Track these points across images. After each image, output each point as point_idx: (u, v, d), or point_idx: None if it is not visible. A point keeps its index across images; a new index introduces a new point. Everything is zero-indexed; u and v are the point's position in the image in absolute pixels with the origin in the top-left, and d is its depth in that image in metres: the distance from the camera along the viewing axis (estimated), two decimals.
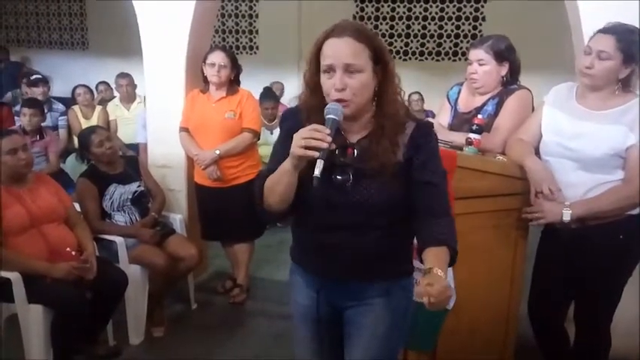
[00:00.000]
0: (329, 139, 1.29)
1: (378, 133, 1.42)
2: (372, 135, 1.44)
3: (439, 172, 1.48)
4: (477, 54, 2.36)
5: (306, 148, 1.29)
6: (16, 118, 4.68)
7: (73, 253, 2.57)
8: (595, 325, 2.24)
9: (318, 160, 1.28)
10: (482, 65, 2.35)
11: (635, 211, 2.05)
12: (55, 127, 4.90)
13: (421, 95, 5.67)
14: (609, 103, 2.03)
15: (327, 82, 1.39)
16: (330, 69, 1.37)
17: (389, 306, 1.53)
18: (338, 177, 1.43)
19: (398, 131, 1.42)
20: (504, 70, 2.36)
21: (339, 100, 1.37)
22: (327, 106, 1.37)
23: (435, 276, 1.29)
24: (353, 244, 1.47)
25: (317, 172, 1.27)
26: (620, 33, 1.95)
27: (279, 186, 1.42)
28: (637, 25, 2.06)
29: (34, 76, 5.20)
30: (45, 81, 5.04)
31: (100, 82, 5.89)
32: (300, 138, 1.30)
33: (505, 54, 2.35)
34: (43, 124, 4.43)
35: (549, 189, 2.03)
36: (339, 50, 1.36)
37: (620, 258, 2.10)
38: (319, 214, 1.47)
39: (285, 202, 1.45)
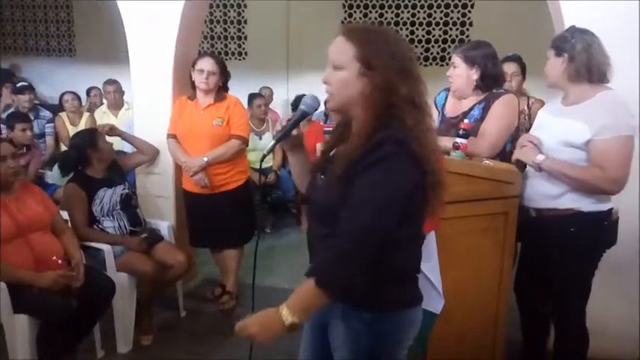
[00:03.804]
0: (284, 123, 1.52)
1: (350, 141, 1.40)
2: (348, 141, 1.43)
3: (374, 185, 1.29)
4: (453, 57, 2.47)
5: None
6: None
7: (60, 261, 2.55)
8: (564, 321, 2.33)
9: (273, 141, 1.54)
10: (454, 68, 2.43)
11: (585, 208, 2.14)
12: (42, 135, 4.87)
13: None
14: (581, 98, 2.13)
15: None
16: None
17: (348, 337, 1.46)
18: (322, 176, 1.49)
19: (363, 141, 1.34)
20: (475, 74, 2.39)
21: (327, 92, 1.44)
22: (304, 97, 1.52)
23: (264, 315, 1.30)
24: (319, 252, 1.44)
25: (265, 150, 1.51)
26: (555, 39, 2.17)
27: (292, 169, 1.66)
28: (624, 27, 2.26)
29: (20, 84, 5.15)
30: (31, 88, 5.00)
31: (92, 88, 5.85)
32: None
33: (477, 59, 2.39)
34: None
35: (529, 140, 2.20)
36: (331, 46, 1.43)
37: (572, 251, 2.19)
38: (307, 211, 1.55)
39: (300, 186, 1.66)
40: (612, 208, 2.19)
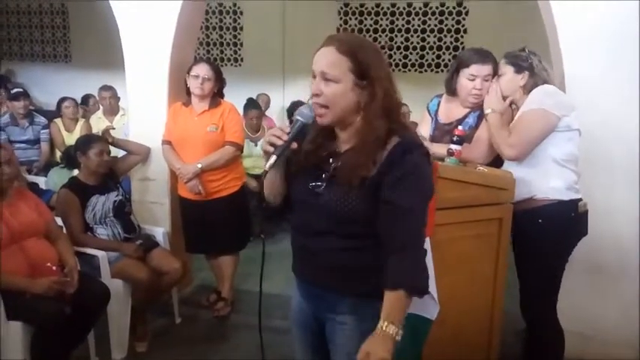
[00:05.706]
0: (285, 137, 1.41)
1: (358, 147, 1.43)
2: (354, 147, 1.45)
3: (414, 194, 1.37)
4: (484, 69, 2.39)
5: (268, 143, 1.42)
6: None
7: (54, 267, 2.54)
8: (533, 317, 2.38)
9: (272, 156, 1.41)
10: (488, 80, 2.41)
11: (553, 196, 2.22)
12: (37, 141, 4.85)
13: (407, 107, 5.68)
14: None
15: (311, 87, 1.45)
16: (314, 75, 1.43)
17: (359, 327, 1.47)
18: (317, 183, 1.48)
19: (378, 147, 1.40)
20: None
21: (317, 105, 1.43)
22: (299, 108, 1.47)
23: (377, 339, 1.30)
24: (325, 251, 1.49)
25: (267, 165, 1.41)
26: (507, 56, 2.38)
27: (268, 178, 1.55)
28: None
29: (15, 90, 5.15)
30: (26, 94, 4.99)
31: (90, 96, 5.83)
32: (267, 135, 1.43)
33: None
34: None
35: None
36: (320, 58, 1.42)
37: (541, 242, 2.25)
38: (299, 215, 1.54)
39: (276, 195, 1.58)
40: (579, 200, 2.27)
